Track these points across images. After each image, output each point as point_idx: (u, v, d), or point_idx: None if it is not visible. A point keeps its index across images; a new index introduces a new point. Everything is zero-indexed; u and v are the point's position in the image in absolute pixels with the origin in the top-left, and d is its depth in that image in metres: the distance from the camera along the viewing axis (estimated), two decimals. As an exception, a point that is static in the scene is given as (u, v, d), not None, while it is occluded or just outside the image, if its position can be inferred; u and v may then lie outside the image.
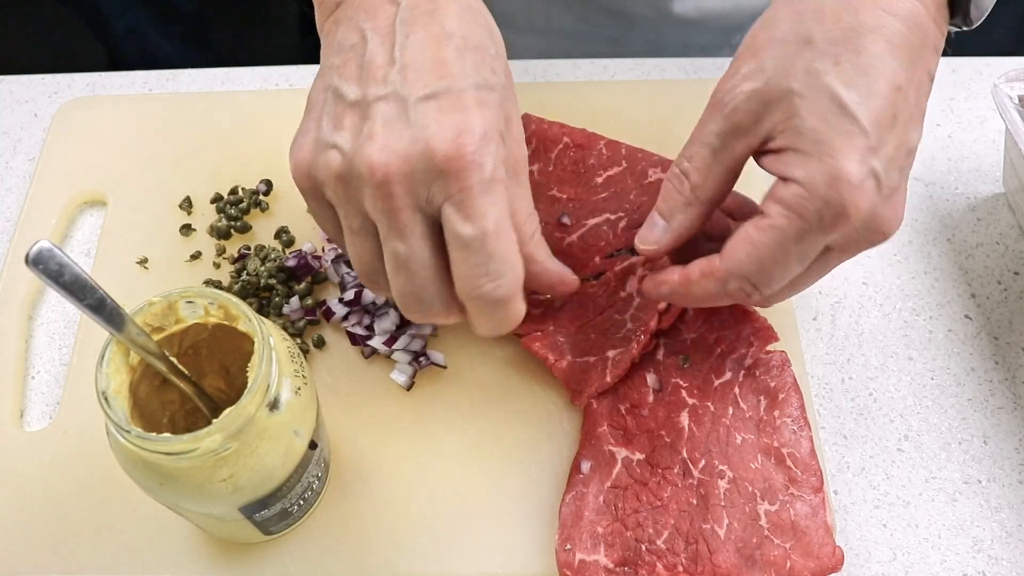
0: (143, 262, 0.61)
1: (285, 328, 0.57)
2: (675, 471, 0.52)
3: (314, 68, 0.72)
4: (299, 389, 0.44)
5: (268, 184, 0.64)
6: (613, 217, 0.60)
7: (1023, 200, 0.62)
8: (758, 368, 0.54)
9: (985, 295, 0.61)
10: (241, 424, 0.41)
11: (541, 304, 0.58)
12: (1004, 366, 0.58)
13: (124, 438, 0.41)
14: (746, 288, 0.46)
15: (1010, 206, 0.64)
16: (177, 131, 0.67)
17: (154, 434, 0.40)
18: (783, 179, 0.44)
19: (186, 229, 0.62)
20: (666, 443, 0.52)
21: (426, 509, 0.52)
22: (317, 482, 0.50)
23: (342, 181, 0.44)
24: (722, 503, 0.50)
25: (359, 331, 0.57)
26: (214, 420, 0.40)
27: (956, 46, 0.63)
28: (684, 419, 0.53)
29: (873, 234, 0.44)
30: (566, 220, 0.61)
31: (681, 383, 0.54)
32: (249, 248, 0.61)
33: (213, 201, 0.64)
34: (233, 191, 0.64)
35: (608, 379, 0.54)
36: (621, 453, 0.52)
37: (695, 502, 0.51)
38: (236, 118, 0.68)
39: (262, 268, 0.59)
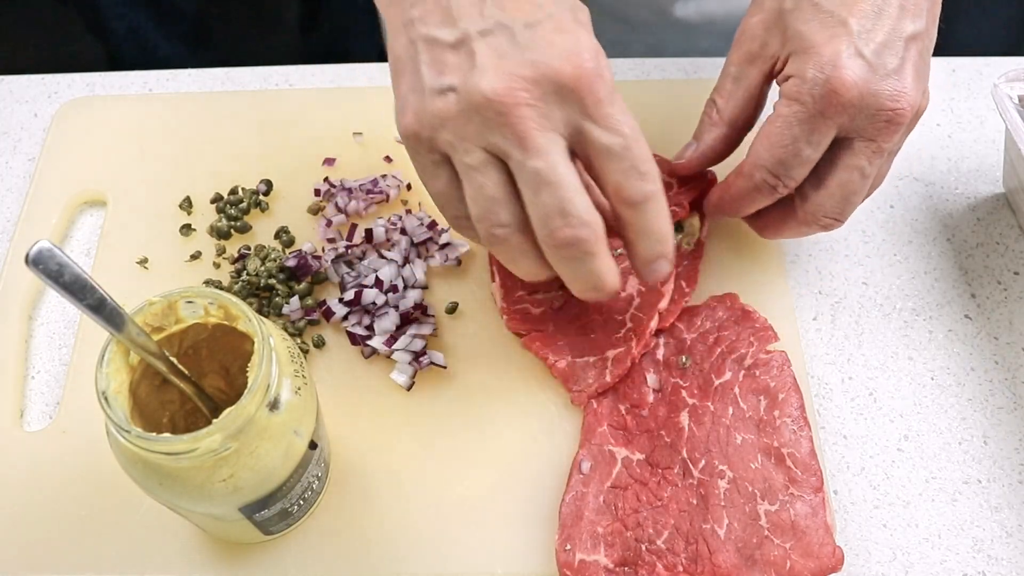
0: (143, 262, 0.61)
1: (285, 328, 0.57)
2: (675, 471, 0.52)
3: (314, 68, 0.72)
4: (299, 389, 0.44)
5: (268, 184, 0.64)
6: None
7: (1023, 200, 0.62)
8: (758, 368, 0.54)
9: (985, 295, 0.61)
10: (241, 424, 0.41)
11: (541, 304, 0.58)
12: (1004, 366, 0.58)
13: (124, 438, 0.41)
14: (769, 180, 0.51)
15: (1010, 206, 0.64)
16: (177, 131, 0.67)
17: (154, 434, 0.40)
18: (786, 80, 0.50)
19: (186, 229, 0.62)
20: (666, 443, 0.53)
21: (426, 509, 0.52)
22: (317, 482, 0.50)
23: (462, 118, 0.44)
24: (722, 503, 0.50)
25: (359, 331, 0.57)
26: (214, 420, 0.40)
27: (956, 47, 0.63)
28: (684, 419, 0.53)
29: (882, 111, 0.48)
30: None
31: (681, 383, 0.54)
32: (249, 248, 0.61)
33: (213, 201, 0.64)
34: (233, 191, 0.64)
35: (608, 379, 0.54)
36: (621, 453, 0.52)
37: (695, 502, 0.51)
38: (236, 118, 0.68)
39: (262, 268, 0.59)
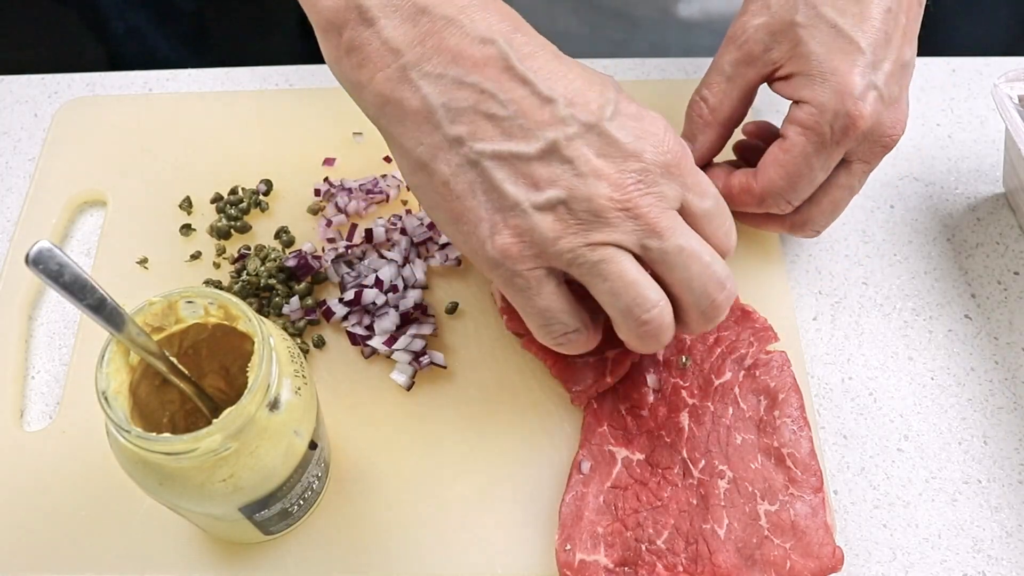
0: (143, 262, 0.61)
1: (285, 328, 0.57)
2: (675, 471, 0.52)
3: (314, 68, 0.72)
4: (299, 389, 0.44)
5: (268, 184, 0.64)
6: None
7: (1023, 200, 0.62)
8: (758, 368, 0.54)
9: (985, 295, 0.61)
10: (241, 424, 0.41)
11: None
12: (1004, 366, 0.58)
13: (124, 438, 0.41)
14: (780, 204, 0.53)
15: (1010, 206, 0.64)
16: (177, 131, 0.67)
17: (154, 434, 0.40)
18: (796, 102, 0.51)
19: (186, 229, 0.62)
20: (666, 443, 0.53)
21: (426, 509, 0.52)
22: (317, 482, 0.50)
23: (581, 227, 0.43)
24: (722, 503, 0.50)
25: (359, 331, 0.57)
26: (214, 420, 0.40)
27: (956, 46, 0.63)
28: (684, 419, 0.53)
29: (883, 138, 0.50)
30: None
31: (681, 383, 0.54)
32: (249, 248, 0.61)
33: (213, 201, 0.64)
34: (233, 191, 0.64)
35: (608, 379, 0.54)
36: (621, 453, 0.52)
37: (695, 502, 0.51)
38: (236, 118, 0.68)
39: (262, 268, 0.59)
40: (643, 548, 0.49)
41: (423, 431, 0.55)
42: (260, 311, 0.58)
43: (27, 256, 0.39)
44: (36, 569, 0.51)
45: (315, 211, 0.63)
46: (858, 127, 0.49)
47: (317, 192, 0.63)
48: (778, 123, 0.54)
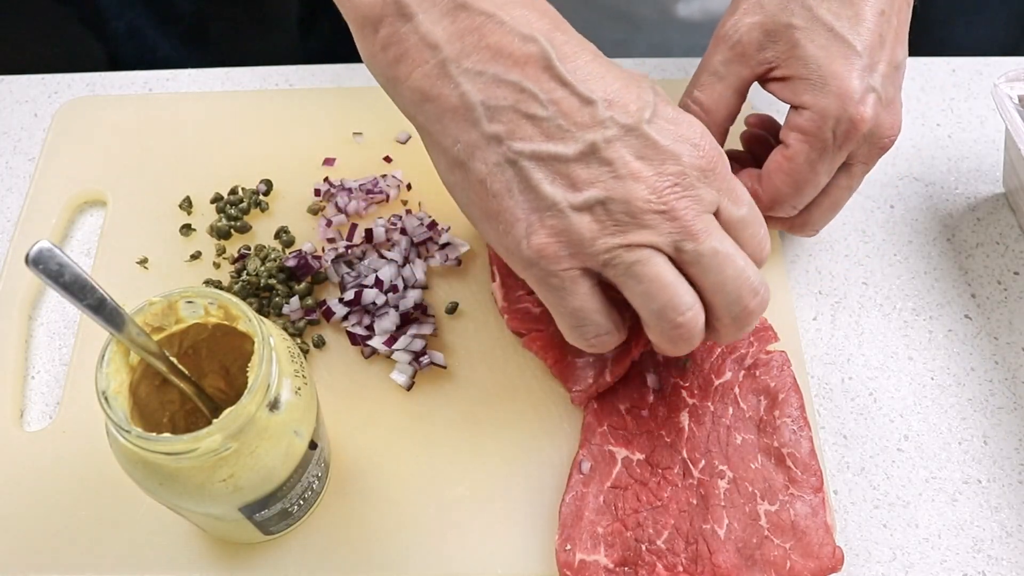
0: (143, 262, 0.61)
1: (285, 328, 0.57)
2: (675, 471, 0.52)
3: (314, 68, 0.72)
4: (299, 389, 0.44)
5: (268, 184, 0.64)
6: None
7: (1023, 200, 0.62)
8: (758, 368, 0.54)
9: (985, 295, 0.61)
10: (241, 424, 0.41)
11: (542, 304, 0.58)
12: (1004, 366, 0.58)
13: (124, 438, 0.41)
14: (786, 210, 0.53)
15: (1010, 206, 0.64)
16: (177, 131, 0.67)
17: (154, 434, 0.40)
18: (795, 107, 0.51)
19: (186, 229, 0.62)
20: (666, 443, 0.53)
21: (426, 509, 0.52)
22: (317, 482, 0.50)
23: (619, 228, 0.43)
24: (722, 503, 0.50)
25: (359, 331, 0.57)
26: (214, 420, 0.40)
27: (956, 46, 0.63)
28: (684, 419, 0.53)
29: (881, 140, 0.51)
30: None
31: (681, 383, 0.54)
32: (249, 248, 0.61)
33: (213, 201, 0.64)
34: (233, 191, 0.64)
35: (608, 378, 0.54)
36: (621, 453, 0.52)
37: (695, 502, 0.51)
38: (236, 118, 0.68)
39: (262, 268, 0.59)
40: (643, 548, 0.49)
41: (423, 431, 0.55)
42: (260, 311, 0.58)
43: (27, 256, 0.39)
44: (36, 569, 0.51)
45: (315, 211, 0.63)
46: (860, 131, 0.49)
47: (317, 192, 0.63)
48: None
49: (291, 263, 0.59)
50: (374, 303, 0.57)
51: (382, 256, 0.60)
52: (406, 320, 0.57)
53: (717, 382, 0.54)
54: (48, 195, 0.64)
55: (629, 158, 0.43)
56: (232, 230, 0.62)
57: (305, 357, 0.53)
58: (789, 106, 0.52)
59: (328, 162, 0.65)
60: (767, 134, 0.58)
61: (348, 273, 0.59)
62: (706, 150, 0.45)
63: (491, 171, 0.44)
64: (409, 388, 0.56)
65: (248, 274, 0.59)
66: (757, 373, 0.54)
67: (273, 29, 1.70)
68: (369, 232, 0.60)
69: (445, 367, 0.57)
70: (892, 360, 0.58)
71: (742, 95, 0.54)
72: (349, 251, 0.60)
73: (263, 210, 0.63)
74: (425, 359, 0.56)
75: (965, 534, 0.52)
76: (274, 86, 0.71)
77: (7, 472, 0.54)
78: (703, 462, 0.52)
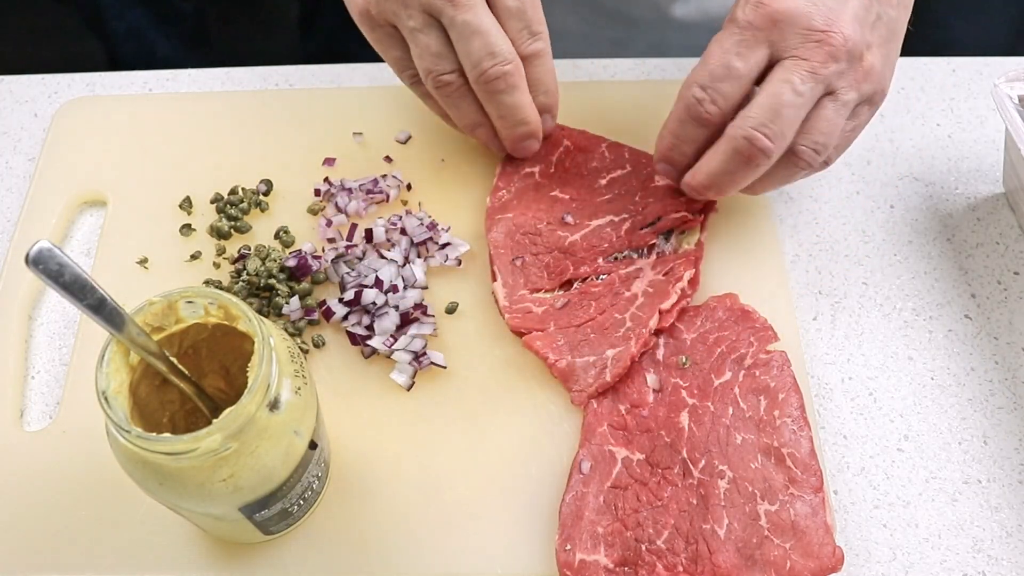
0: (143, 262, 0.61)
1: (285, 328, 0.57)
2: (675, 471, 0.52)
3: (314, 68, 0.72)
4: (299, 389, 0.44)
5: (268, 184, 0.64)
6: (617, 219, 0.60)
7: (1023, 200, 0.62)
8: (758, 368, 0.54)
9: (985, 295, 0.61)
10: (241, 424, 0.41)
11: (543, 303, 0.58)
12: (1004, 366, 0.58)
13: (124, 438, 0.41)
14: (697, 93, 0.52)
15: (1010, 206, 0.64)
16: (177, 131, 0.67)
17: (154, 434, 0.40)
18: None
19: (186, 229, 0.62)
20: (666, 443, 0.53)
21: (426, 509, 0.52)
22: (317, 482, 0.50)
23: None
24: (722, 503, 0.50)
25: (359, 331, 0.57)
26: (214, 420, 0.40)
27: (956, 46, 0.64)
28: (684, 419, 0.53)
29: (813, 32, 0.50)
30: (569, 219, 0.61)
31: (681, 383, 0.54)
32: (249, 248, 0.61)
33: (213, 201, 0.64)
34: (233, 191, 0.64)
35: (608, 378, 0.54)
36: (621, 453, 0.52)
37: (695, 502, 0.51)
38: (236, 118, 0.68)
39: (262, 268, 0.59)
40: (643, 548, 0.49)
41: (423, 431, 0.55)
42: (260, 311, 0.58)
43: (27, 256, 0.39)
44: (36, 569, 0.51)
45: (315, 211, 0.63)
46: (768, 5, 0.50)
47: (317, 192, 0.63)
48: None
49: (291, 263, 0.59)
50: (374, 303, 0.57)
51: (382, 256, 0.60)
52: (406, 320, 0.57)
53: (717, 382, 0.54)
54: (48, 195, 0.64)
55: None
56: (232, 230, 0.62)
57: (305, 357, 0.53)
58: None
59: (328, 162, 0.65)
60: None
61: (348, 273, 0.59)
62: None
63: None
64: (409, 388, 0.56)
65: (248, 274, 0.59)
66: (757, 373, 0.54)
67: (273, 29, 1.70)
68: (369, 232, 0.60)
69: (445, 367, 0.57)
70: (892, 360, 0.58)
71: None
72: (349, 251, 0.60)
73: (263, 210, 0.63)
74: (425, 359, 0.56)
75: (965, 534, 0.52)
76: (274, 86, 0.71)
77: (7, 472, 0.54)
78: (703, 462, 0.52)
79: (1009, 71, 0.59)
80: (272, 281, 0.59)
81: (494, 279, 0.59)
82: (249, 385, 0.41)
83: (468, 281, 0.60)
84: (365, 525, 0.52)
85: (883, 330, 0.59)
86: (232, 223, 0.62)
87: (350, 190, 0.63)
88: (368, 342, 0.56)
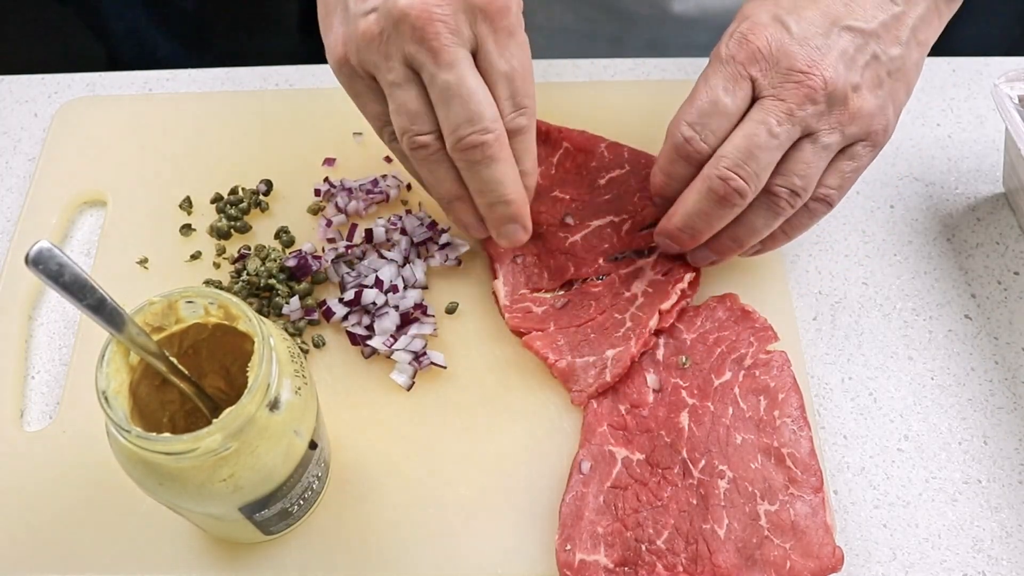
0: (143, 262, 0.61)
1: (285, 328, 0.57)
2: (675, 471, 0.52)
3: (314, 68, 0.72)
4: (299, 389, 0.44)
5: (268, 184, 0.64)
6: (617, 219, 0.60)
7: (1023, 200, 0.62)
8: (758, 368, 0.54)
9: (985, 295, 0.61)
10: (241, 424, 0.41)
11: (543, 303, 0.58)
12: (1004, 366, 0.58)
13: (124, 438, 0.41)
14: (686, 132, 0.51)
15: (1010, 206, 0.64)
16: (177, 131, 0.67)
17: (154, 434, 0.40)
18: None
19: (186, 229, 0.62)
20: (666, 443, 0.53)
21: (426, 509, 0.52)
22: (317, 482, 0.50)
23: (382, 37, 0.47)
24: (722, 503, 0.50)
25: (359, 331, 0.57)
26: (214, 420, 0.40)
27: (956, 46, 0.64)
28: (684, 419, 0.53)
29: (793, 73, 0.49)
30: (569, 220, 0.61)
31: (681, 383, 0.54)
32: (249, 248, 0.61)
33: (213, 201, 0.64)
34: (233, 191, 0.64)
35: (608, 378, 0.54)
36: (621, 453, 0.52)
37: (695, 502, 0.51)
38: (236, 118, 0.68)
39: (262, 268, 0.59)
40: (643, 548, 0.49)
41: (423, 431, 0.55)
42: (260, 311, 0.58)
43: (27, 256, 0.39)
44: (36, 569, 0.51)
45: (315, 211, 0.63)
46: (751, 42, 0.49)
47: (317, 192, 0.63)
48: None
49: (291, 263, 0.59)
50: (374, 303, 0.57)
51: (382, 256, 0.60)
52: (406, 320, 0.57)
53: (717, 382, 0.54)
54: (48, 195, 0.64)
55: None
56: (232, 230, 0.62)
57: (305, 357, 0.53)
58: None
59: (328, 162, 0.65)
60: None
61: (348, 273, 0.59)
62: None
63: None
64: (409, 388, 0.56)
65: (248, 274, 0.59)
66: (757, 373, 0.54)
67: (273, 29, 1.70)
68: (369, 232, 0.60)
69: (445, 367, 0.57)
70: (892, 360, 0.58)
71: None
72: (349, 251, 0.60)
73: (263, 210, 0.63)
74: (425, 359, 0.56)
75: (965, 534, 0.52)
76: (274, 86, 0.71)
77: (7, 472, 0.54)
78: (703, 462, 0.52)
79: (1009, 71, 0.59)
80: (272, 281, 0.59)
81: (495, 277, 0.59)
82: (249, 385, 0.41)
83: (468, 281, 0.60)
84: (365, 525, 0.52)
85: (883, 330, 0.59)
86: (232, 223, 0.62)
87: (350, 190, 0.63)
88: (368, 342, 0.56)
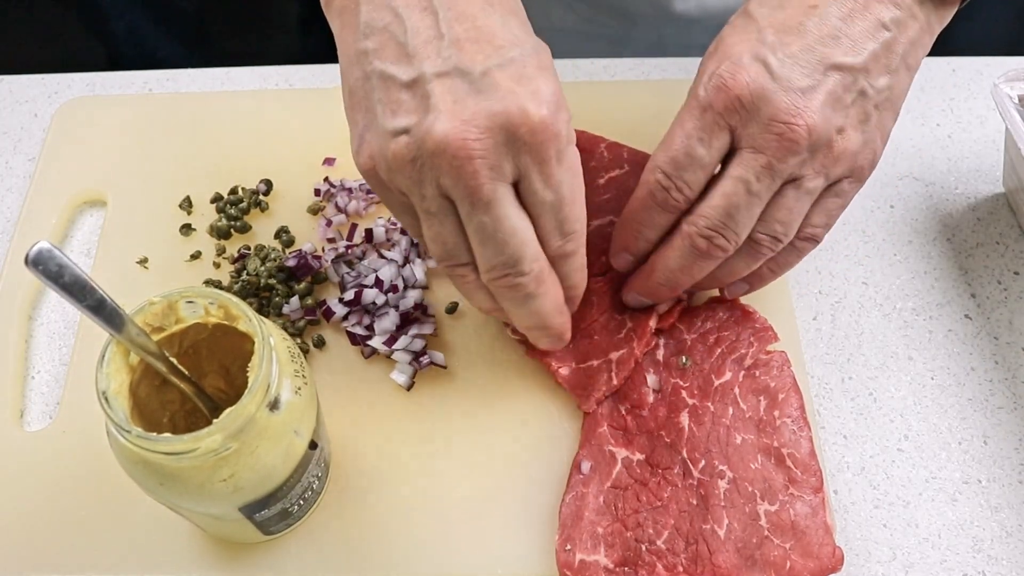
0: (143, 262, 0.61)
1: (285, 328, 0.57)
2: (675, 471, 0.52)
3: (314, 68, 0.72)
4: (299, 389, 0.44)
5: (268, 184, 0.64)
6: (617, 219, 0.60)
7: (1023, 200, 0.62)
8: (758, 368, 0.54)
9: (985, 295, 0.61)
10: (241, 424, 0.41)
11: None
12: (1004, 366, 0.58)
13: (124, 438, 0.41)
14: (663, 180, 0.48)
15: (1010, 206, 0.64)
16: (177, 131, 0.67)
17: (154, 434, 0.40)
18: None
19: (186, 229, 0.62)
20: (666, 443, 0.53)
21: (426, 509, 0.52)
22: (317, 482, 0.50)
23: (415, 165, 0.43)
24: (722, 503, 0.50)
25: (359, 331, 0.57)
26: (214, 420, 0.40)
27: (956, 47, 0.64)
28: (684, 419, 0.53)
29: (775, 124, 0.45)
30: None
31: (681, 383, 0.54)
32: (249, 248, 0.61)
33: (213, 201, 0.64)
34: (233, 191, 0.64)
35: (615, 381, 0.54)
36: (621, 453, 0.52)
37: (695, 502, 0.51)
38: (236, 118, 0.68)
39: (262, 268, 0.59)
40: (643, 548, 0.49)
41: (423, 431, 0.55)
42: (260, 311, 0.58)
43: (27, 257, 0.39)
44: (36, 569, 0.51)
45: (315, 211, 0.63)
46: (730, 89, 0.45)
47: (317, 192, 0.63)
48: None
49: (291, 263, 0.59)
50: (374, 303, 0.57)
51: (382, 256, 0.60)
52: (406, 320, 0.57)
53: (717, 382, 0.54)
54: (48, 195, 0.64)
55: (445, 96, 0.43)
56: (232, 230, 0.62)
57: (305, 357, 0.53)
58: None
59: (328, 162, 0.65)
60: None
61: (348, 273, 0.59)
62: (538, 125, 0.42)
63: (355, 83, 0.46)
64: (409, 388, 0.56)
65: (248, 274, 0.59)
66: (757, 373, 0.54)
67: (273, 29, 1.70)
68: (369, 232, 0.60)
69: (445, 367, 0.57)
70: (892, 360, 0.58)
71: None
72: (349, 251, 0.60)
73: (263, 210, 0.63)
74: (425, 359, 0.56)
75: (965, 534, 0.52)
76: (274, 86, 0.71)
77: (7, 472, 0.54)
78: (703, 462, 0.52)
79: (1009, 71, 0.59)
80: (272, 281, 0.59)
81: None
82: (249, 385, 0.41)
83: (468, 281, 0.60)
84: (365, 525, 0.52)
85: (883, 330, 0.59)
86: (232, 223, 0.62)
87: (350, 190, 0.63)
88: (368, 342, 0.56)
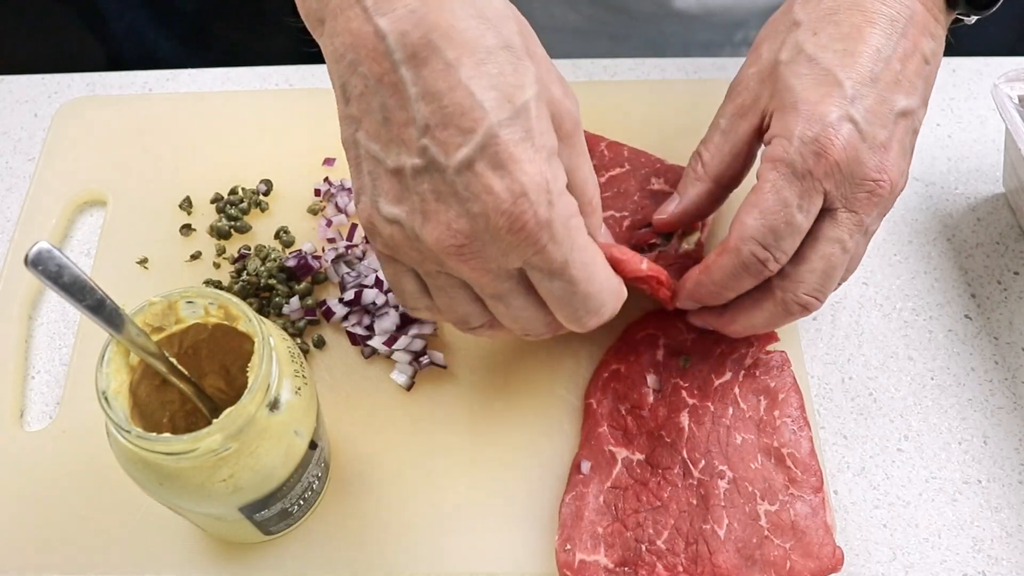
0: (143, 262, 0.61)
1: (285, 328, 0.57)
2: (675, 471, 0.52)
3: (314, 68, 0.72)
4: (299, 389, 0.44)
5: (268, 184, 0.64)
6: (618, 215, 0.60)
7: (1023, 200, 0.62)
8: (758, 368, 0.54)
9: (985, 295, 0.61)
10: (241, 424, 0.41)
11: None
12: (1004, 366, 0.58)
13: (124, 438, 0.41)
14: (759, 253, 0.47)
15: (1010, 206, 0.64)
16: (177, 131, 0.67)
17: (154, 434, 0.40)
18: (770, 141, 0.48)
19: (186, 229, 0.62)
20: (666, 443, 0.53)
21: (426, 509, 0.52)
22: (317, 482, 0.50)
23: (415, 251, 0.43)
24: (722, 503, 0.50)
25: (359, 331, 0.57)
26: (214, 420, 0.40)
27: (956, 46, 0.64)
28: (684, 419, 0.53)
29: (866, 182, 0.46)
30: None
31: (681, 383, 0.54)
32: (249, 248, 0.61)
33: (213, 201, 0.64)
34: (233, 191, 0.64)
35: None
36: (621, 453, 0.52)
37: (695, 502, 0.51)
38: (236, 118, 0.68)
39: (262, 268, 0.59)
40: (643, 548, 0.49)
41: (423, 431, 0.55)
42: (260, 311, 0.58)
43: (26, 257, 0.39)
44: (36, 569, 0.51)
45: (315, 211, 0.63)
46: (829, 155, 0.46)
47: (317, 192, 0.63)
48: None
49: (291, 263, 0.59)
50: (374, 303, 0.57)
51: (382, 256, 0.60)
52: (406, 320, 0.57)
53: (717, 382, 0.54)
54: (48, 195, 0.64)
55: (429, 197, 0.41)
56: (232, 230, 0.62)
57: (305, 357, 0.53)
58: None
59: (328, 162, 0.65)
60: None
61: (348, 273, 0.59)
62: (519, 222, 0.40)
63: (349, 140, 0.44)
64: (409, 388, 0.56)
65: (248, 274, 0.59)
66: (757, 373, 0.54)
67: (273, 29, 1.70)
68: (369, 232, 0.60)
69: (445, 367, 0.57)
70: (892, 360, 0.58)
71: (745, 154, 0.52)
72: (349, 251, 0.60)
73: (263, 210, 0.63)
74: (425, 359, 0.56)
75: (965, 534, 0.52)
76: (274, 86, 0.71)
77: (7, 472, 0.54)
78: (703, 462, 0.52)
79: (1009, 71, 0.59)
80: (272, 281, 0.59)
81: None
82: (249, 385, 0.41)
83: (468, 281, 0.60)
84: (365, 525, 0.52)
85: (883, 330, 0.59)
86: (232, 223, 0.62)
87: (350, 190, 0.63)
88: (368, 342, 0.56)
